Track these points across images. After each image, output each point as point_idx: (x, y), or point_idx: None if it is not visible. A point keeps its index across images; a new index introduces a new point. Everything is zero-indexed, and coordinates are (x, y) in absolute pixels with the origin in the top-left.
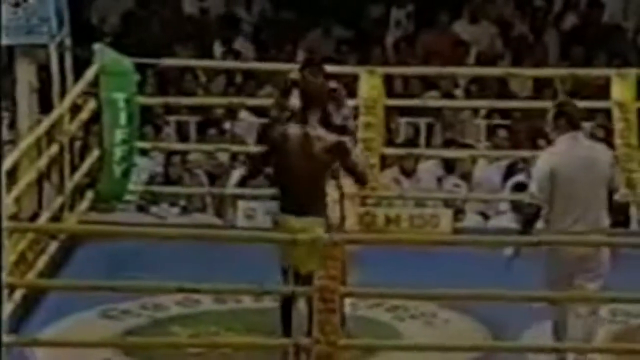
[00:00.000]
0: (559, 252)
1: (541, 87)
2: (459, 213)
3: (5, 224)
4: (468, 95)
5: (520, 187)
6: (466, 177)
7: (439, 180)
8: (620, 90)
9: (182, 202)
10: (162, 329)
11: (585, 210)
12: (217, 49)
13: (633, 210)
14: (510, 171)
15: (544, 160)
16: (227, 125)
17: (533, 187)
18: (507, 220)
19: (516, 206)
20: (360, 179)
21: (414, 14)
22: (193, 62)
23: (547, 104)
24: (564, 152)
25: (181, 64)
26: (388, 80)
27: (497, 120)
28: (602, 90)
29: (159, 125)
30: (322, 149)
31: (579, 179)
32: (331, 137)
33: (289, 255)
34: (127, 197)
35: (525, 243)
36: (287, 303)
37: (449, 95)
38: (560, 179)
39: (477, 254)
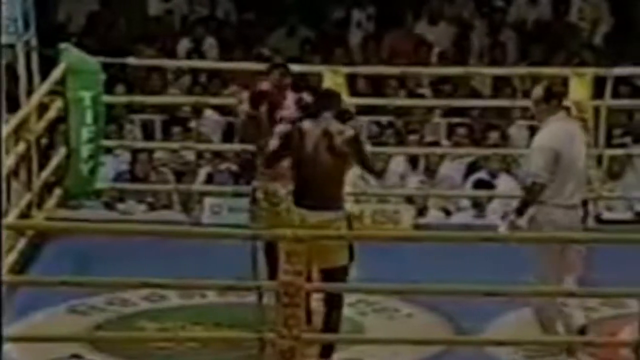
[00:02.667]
0: (556, 223)
1: (500, 87)
2: (422, 209)
3: (4, 221)
4: (435, 94)
5: (481, 184)
6: (430, 174)
7: (402, 177)
8: (577, 90)
9: (149, 199)
10: (129, 324)
11: (578, 182)
12: (182, 48)
13: (590, 207)
14: (471, 168)
15: (548, 140)
16: (192, 123)
17: (537, 167)
18: (468, 216)
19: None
20: (371, 170)
21: (375, 15)
22: (158, 62)
23: (506, 102)
24: (562, 130)
25: (146, 63)
26: (351, 80)
27: (457, 119)
28: (561, 87)
29: (125, 123)
30: (343, 143)
31: (574, 155)
32: (349, 131)
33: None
34: (94, 194)
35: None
36: None
37: (412, 94)
38: (563, 157)
39: (438, 249)
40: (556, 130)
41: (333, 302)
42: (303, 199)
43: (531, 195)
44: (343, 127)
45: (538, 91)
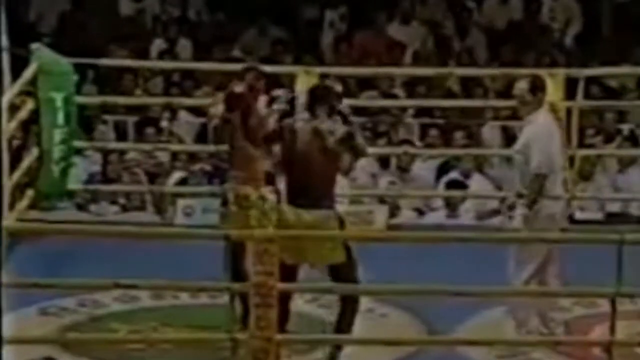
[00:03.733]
0: (554, 217)
1: (471, 87)
2: (394, 209)
3: (5, 223)
4: (408, 95)
5: (454, 184)
6: (402, 174)
7: (374, 177)
8: (549, 90)
9: (122, 201)
10: (101, 325)
11: (562, 174)
12: (154, 49)
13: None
14: (443, 169)
15: (542, 131)
16: (165, 124)
17: (539, 159)
18: (441, 216)
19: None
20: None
21: (348, 15)
22: (130, 62)
23: (478, 102)
24: (550, 124)
25: (119, 64)
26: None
27: (429, 119)
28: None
29: (97, 124)
30: (335, 143)
31: (560, 146)
32: (341, 129)
33: (302, 251)
34: (67, 195)
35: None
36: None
37: (386, 95)
38: (556, 149)
39: (411, 250)
40: (546, 123)
41: (346, 304)
42: (296, 198)
43: (537, 187)
44: (335, 126)
45: (523, 85)
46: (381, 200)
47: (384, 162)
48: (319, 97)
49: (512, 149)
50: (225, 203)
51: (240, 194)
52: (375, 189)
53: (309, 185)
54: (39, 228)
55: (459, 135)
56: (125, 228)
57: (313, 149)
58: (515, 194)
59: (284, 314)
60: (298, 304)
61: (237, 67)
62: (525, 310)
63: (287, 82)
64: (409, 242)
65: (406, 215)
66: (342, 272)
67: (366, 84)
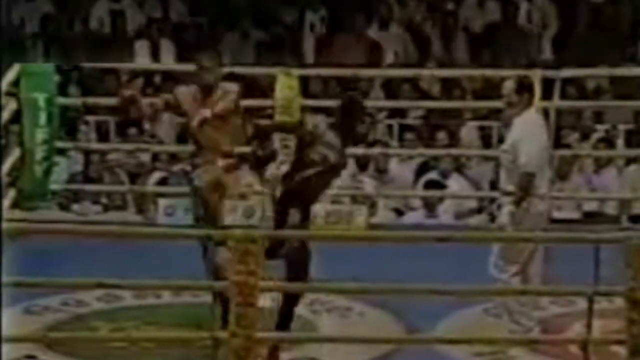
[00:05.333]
0: (542, 215)
1: (450, 89)
2: (372, 210)
3: (5, 224)
4: (387, 96)
5: (432, 185)
6: (380, 174)
7: (353, 177)
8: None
9: (104, 200)
10: (84, 324)
11: (548, 173)
12: (137, 50)
13: None
14: (422, 169)
15: (532, 130)
16: (146, 125)
17: (528, 156)
18: (420, 216)
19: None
20: None
21: (327, 18)
22: (112, 64)
23: (457, 104)
24: (538, 122)
25: (100, 65)
26: (305, 82)
27: (408, 120)
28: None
29: (79, 125)
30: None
31: (546, 146)
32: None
33: None
34: (49, 195)
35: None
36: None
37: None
38: (544, 148)
39: (390, 249)
40: (534, 121)
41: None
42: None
43: (526, 185)
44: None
45: (510, 85)
46: (360, 200)
47: (363, 162)
48: (347, 110)
49: (500, 148)
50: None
51: (222, 182)
52: (355, 189)
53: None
54: (34, 228)
55: (437, 135)
56: (110, 228)
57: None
58: (502, 192)
59: (289, 315)
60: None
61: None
62: (518, 308)
63: (268, 83)
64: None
65: (385, 215)
66: None
67: (346, 85)
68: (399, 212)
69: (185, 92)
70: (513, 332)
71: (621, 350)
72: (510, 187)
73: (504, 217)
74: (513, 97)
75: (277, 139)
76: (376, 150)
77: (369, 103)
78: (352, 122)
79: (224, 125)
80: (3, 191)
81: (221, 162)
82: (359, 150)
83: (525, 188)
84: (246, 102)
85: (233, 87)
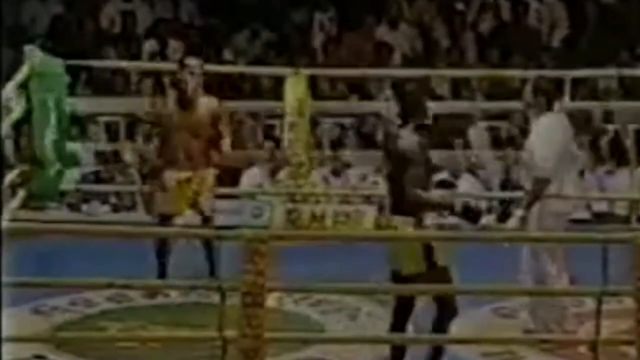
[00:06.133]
0: (559, 216)
1: (459, 89)
2: (382, 209)
3: (6, 225)
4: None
5: (444, 184)
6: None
7: (363, 178)
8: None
9: (113, 201)
10: (92, 324)
11: (574, 172)
12: (145, 51)
13: None
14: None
15: (549, 133)
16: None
17: (544, 160)
18: (429, 216)
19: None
20: None
21: (337, 17)
22: (122, 64)
23: (466, 104)
24: (559, 124)
25: (110, 65)
26: (314, 82)
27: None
28: (518, 91)
29: (89, 125)
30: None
31: (570, 147)
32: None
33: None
34: (59, 195)
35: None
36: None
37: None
38: (563, 150)
39: None
40: (553, 124)
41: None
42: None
43: (538, 189)
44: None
45: (528, 88)
46: (369, 200)
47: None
48: (411, 105)
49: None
50: None
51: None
52: (364, 189)
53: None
54: (37, 228)
55: (448, 136)
56: (118, 228)
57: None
58: (525, 192)
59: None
60: (286, 302)
61: (227, 69)
62: (545, 308)
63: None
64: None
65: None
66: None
67: (355, 85)
68: None
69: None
70: (526, 333)
71: (631, 350)
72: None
73: (514, 220)
74: (529, 99)
75: None
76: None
77: (377, 104)
78: (420, 119)
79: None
80: (5, 192)
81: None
82: (369, 151)
83: (537, 192)
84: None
85: (213, 100)
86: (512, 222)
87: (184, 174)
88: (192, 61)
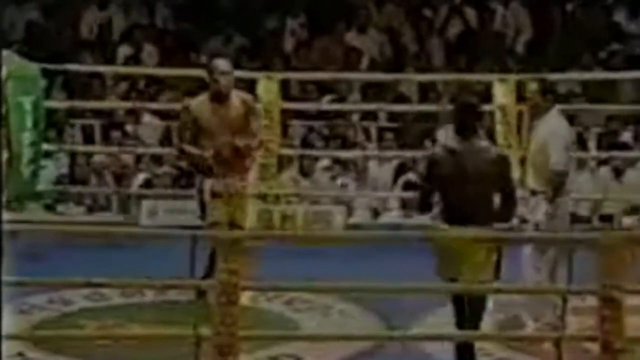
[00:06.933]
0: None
1: (427, 92)
2: (350, 210)
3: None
4: (363, 99)
5: (410, 186)
6: (359, 176)
7: (333, 179)
8: (501, 95)
9: (88, 202)
10: (70, 322)
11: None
12: (120, 55)
13: None
14: (400, 170)
15: (560, 129)
16: (130, 128)
17: (559, 155)
18: (396, 217)
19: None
20: None
21: (308, 23)
22: (98, 68)
23: (433, 107)
24: (565, 123)
25: (86, 69)
26: (285, 85)
27: (387, 123)
28: (485, 94)
29: (65, 128)
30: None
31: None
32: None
33: (457, 267)
34: (35, 197)
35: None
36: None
37: (343, 99)
38: (571, 146)
39: (369, 248)
40: (560, 122)
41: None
42: (455, 215)
43: (559, 183)
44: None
45: (534, 87)
46: (338, 201)
47: (342, 164)
48: (466, 115)
49: (530, 149)
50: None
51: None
52: (333, 190)
53: (469, 204)
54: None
55: (415, 138)
56: (95, 228)
57: (475, 169)
58: (531, 192)
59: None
60: (260, 300)
61: (202, 73)
62: (540, 305)
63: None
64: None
65: (362, 215)
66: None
67: (325, 88)
68: (376, 213)
69: (197, 103)
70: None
71: (594, 346)
72: (542, 187)
73: (539, 215)
74: (538, 99)
75: None
76: (355, 152)
77: (347, 106)
78: (471, 124)
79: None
80: (3, 191)
81: None
82: (339, 152)
83: (558, 186)
84: None
85: (247, 95)
86: (538, 217)
87: (225, 183)
88: (219, 62)
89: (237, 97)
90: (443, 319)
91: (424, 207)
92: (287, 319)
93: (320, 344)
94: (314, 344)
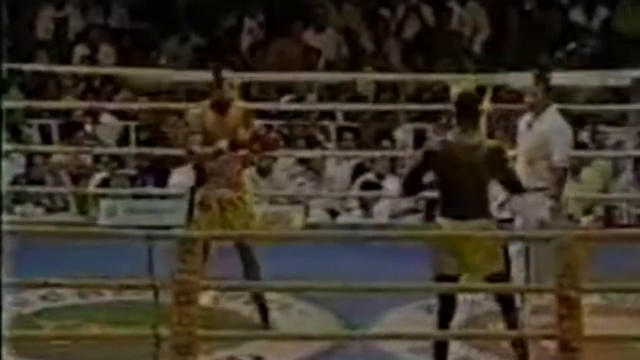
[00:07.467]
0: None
1: (384, 92)
2: (308, 210)
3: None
4: (321, 99)
5: (368, 185)
6: (318, 175)
7: (291, 179)
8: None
9: (46, 202)
10: (28, 323)
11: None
12: (76, 55)
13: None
14: (358, 170)
15: (563, 125)
16: (88, 127)
17: (563, 151)
18: (355, 217)
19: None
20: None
21: (265, 22)
22: (54, 68)
23: (390, 106)
24: (564, 120)
25: (42, 69)
26: (243, 85)
27: (345, 123)
28: (443, 93)
29: (22, 128)
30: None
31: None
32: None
33: (462, 261)
34: None
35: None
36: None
37: (302, 99)
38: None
39: (327, 248)
40: (561, 119)
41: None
42: (452, 210)
43: (562, 179)
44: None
45: (532, 84)
46: (296, 200)
47: (300, 164)
48: (465, 106)
49: (523, 146)
50: (193, 206)
51: (225, 198)
52: (292, 190)
53: (464, 197)
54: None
55: (373, 138)
56: (52, 228)
57: (469, 163)
58: (530, 189)
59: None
60: (220, 300)
61: (160, 73)
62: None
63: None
64: (328, 241)
65: (320, 215)
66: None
67: (284, 88)
68: (334, 213)
69: (202, 109)
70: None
71: (551, 344)
72: (541, 184)
73: (544, 212)
74: (539, 95)
75: None
76: (313, 152)
77: (306, 106)
78: (472, 118)
79: None
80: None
81: None
82: (297, 152)
83: (561, 183)
84: None
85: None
86: (542, 213)
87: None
88: (228, 75)
89: (236, 108)
90: (401, 318)
91: (408, 189)
92: (247, 318)
93: (281, 344)
94: (274, 344)
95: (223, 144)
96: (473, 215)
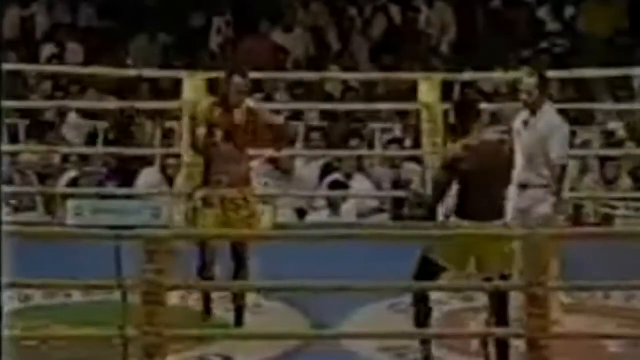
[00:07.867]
0: None
1: (351, 91)
2: (275, 209)
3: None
4: (290, 98)
5: (336, 185)
6: (286, 175)
7: (258, 177)
8: (426, 93)
9: (13, 202)
10: None
11: None
12: (44, 54)
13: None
14: (326, 170)
15: (560, 126)
16: (56, 127)
17: (563, 149)
18: (323, 216)
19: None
20: None
21: (234, 21)
22: (21, 67)
23: (359, 106)
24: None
25: (8, 68)
26: (212, 84)
27: (314, 123)
28: (410, 92)
29: None
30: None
31: None
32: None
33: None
34: None
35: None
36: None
37: (270, 98)
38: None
39: (295, 248)
40: (558, 117)
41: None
42: (480, 211)
43: (562, 176)
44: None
45: (531, 81)
46: (263, 200)
47: (269, 163)
48: (468, 110)
49: (522, 144)
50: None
51: (228, 197)
52: (261, 189)
53: (489, 200)
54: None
55: (341, 137)
56: (19, 228)
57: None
58: (532, 186)
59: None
60: (189, 300)
61: (127, 72)
62: None
63: (173, 86)
64: (296, 241)
65: (288, 215)
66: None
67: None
68: (302, 213)
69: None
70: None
71: (521, 343)
72: (539, 180)
73: (547, 208)
74: (535, 93)
75: None
76: (283, 151)
77: (273, 105)
78: (468, 120)
79: None
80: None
81: None
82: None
83: (561, 179)
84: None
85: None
86: (544, 210)
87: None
88: (238, 80)
89: (245, 108)
90: (370, 317)
91: (438, 199)
92: (217, 317)
93: (249, 343)
94: (243, 343)
95: (218, 135)
96: (495, 217)
